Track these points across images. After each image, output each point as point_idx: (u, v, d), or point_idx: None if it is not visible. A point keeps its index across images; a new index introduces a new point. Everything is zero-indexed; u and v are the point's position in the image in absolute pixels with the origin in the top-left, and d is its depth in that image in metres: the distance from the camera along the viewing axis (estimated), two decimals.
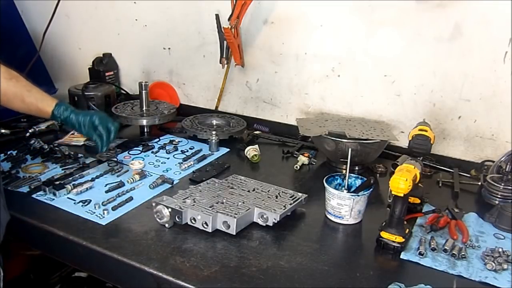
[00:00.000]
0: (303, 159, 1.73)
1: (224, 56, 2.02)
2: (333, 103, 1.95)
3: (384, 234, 1.21)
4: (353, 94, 1.89)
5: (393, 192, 1.17)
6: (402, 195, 1.16)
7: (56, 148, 1.74)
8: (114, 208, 1.36)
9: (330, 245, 1.27)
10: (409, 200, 1.29)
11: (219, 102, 2.23)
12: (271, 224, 1.27)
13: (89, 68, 2.34)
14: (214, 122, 2.06)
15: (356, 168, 1.70)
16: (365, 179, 1.36)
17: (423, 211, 1.40)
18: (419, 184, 1.30)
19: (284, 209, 1.29)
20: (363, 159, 1.66)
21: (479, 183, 1.57)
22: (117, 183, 1.50)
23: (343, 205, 1.31)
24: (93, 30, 2.45)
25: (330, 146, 1.65)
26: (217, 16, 1.95)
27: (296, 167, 1.71)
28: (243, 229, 1.26)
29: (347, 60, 1.85)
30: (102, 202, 1.38)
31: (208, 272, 1.10)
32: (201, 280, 1.08)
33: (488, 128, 1.67)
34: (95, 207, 1.36)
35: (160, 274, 1.10)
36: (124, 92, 2.36)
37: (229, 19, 1.86)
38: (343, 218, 1.32)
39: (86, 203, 1.39)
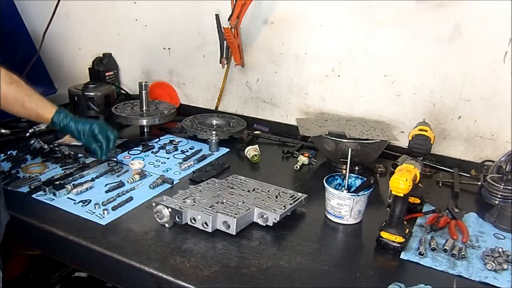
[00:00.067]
0: (303, 159, 1.73)
1: (224, 56, 2.02)
2: (333, 103, 1.95)
3: (384, 234, 1.21)
4: (353, 94, 1.89)
5: (393, 192, 1.17)
6: (402, 195, 1.16)
7: (56, 148, 1.74)
8: (114, 208, 1.36)
9: (330, 245, 1.27)
10: (409, 200, 1.29)
11: (219, 102, 2.23)
12: (271, 224, 1.27)
13: (89, 68, 2.34)
14: (214, 122, 2.06)
15: (356, 168, 1.70)
16: (365, 179, 1.36)
17: (423, 211, 1.40)
18: (419, 184, 1.30)
19: (284, 209, 1.29)
20: (363, 159, 1.66)
21: (479, 183, 1.57)
22: (117, 183, 1.50)
23: (343, 205, 1.31)
24: (93, 30, 2.45)
25: (330, 146, 1.65)
26: (217, 16, 1.95)
27: (296, 167, 1.71)
28: (243, 229, 1.26)
29: (347, 60, 1.85)
30: (102, 202, 1.38)
31: (208, 272, 1.10)
32: (201, 280, 1.08)
33: (488, 128, 1.67)
34: (95, 207, 1.36)
35: (160, 274, 1.10)
36: (124, 92, 2.36)
37: (229, 19, 1.86)
38: (343, 218, 1.32)
39: (86, 203, 1.39)
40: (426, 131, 1.43)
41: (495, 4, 1.52)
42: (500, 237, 1.30)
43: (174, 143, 1.89)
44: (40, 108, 1.42)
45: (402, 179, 1.15)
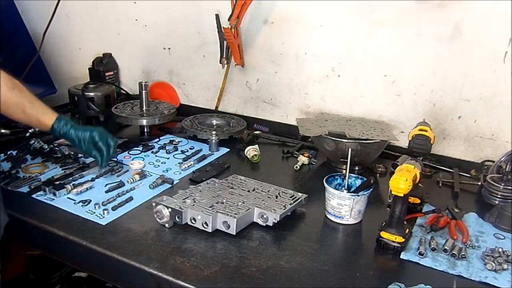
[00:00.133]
0: (303, 159, 1.73)
1: (224, 56, 2.02)
2: (333, 103, 1.95)
3: (384, 234, 1.21)
4: (353, 94, 1.89)
5: (393, 192, 1.17)
6: (402, 195, 1.16)
7: (56, 148, 1.74)
8: (114, 208, 1.36)
9: (330, 245, 1.27)
10: (409, 200, 1.29)
11: (219, 102, 2.23)
12: (271, 224, 1.27)
13: (89, 68, 2.34)
14: (214, 122, 2.06)
15: (356, 168, 1.70)
16: (365, 179, 1.36)
17: (423, 211, 1.40)
18: (419, 184, 1.30)
19: (284, 209, 1.29)
20: (363, 159, 1.66)
21: (479, 183, 1.57)
22: (117, 183, 1.50)
23: (343, 205, 1.31)
24: (93, 30, 2.45)
25: (330, 146, 1.65)
26: (217, 16, 1.95)
27: (296, 167, 1.71)
28: (243, 229, 1.26)
29: (347, 60, 1.85)
30: (102, 202, 1.38)
31: (208, 272, 1.10)
32: (201, 280, 1.08)
33: (488, 128, 1.67)
34: (95, 207, 1.36)
35: (160, 274, 1.10)
36: (124, 92, 2.36)
37: (229, 19, 1.86)
38: (343, 218, 1.32)
39: (86, 203, 1.39)
40: (426, 131, 1.43)
41: (495, 4, 1.52)
42: (500, 237, 1.30)
43: (174, 143, 1.89)
44: (41, 115, 1.43)
45: (402, 179, 1.15)
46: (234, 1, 1.86)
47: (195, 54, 2.19)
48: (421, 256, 1.18)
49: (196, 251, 1.18)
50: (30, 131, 1.89)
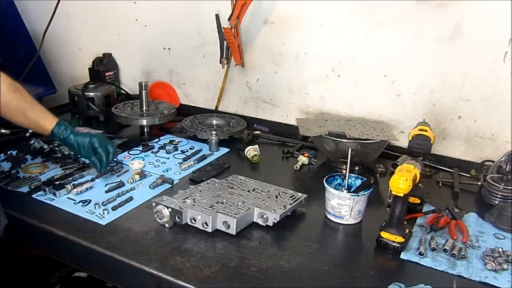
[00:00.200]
0: (303, 159, 1.73)
1: (224, 56, 2.02)
2: (333, 103, 1.95)
3: (384, 234, 1.21)
4: (353, 94, 1.89)
5: (393, 192, 1.17)
6: (402, 195, 1.16)
7: (56, 148, 1.74)
8: (114, 208, 1.36)
9: (330, 245, 1.27)
10: (409, 200, 1.29)
11: (219, 102, 2.23)
12: (271, 224, 1.27)
13: (89, 68, 2.34)
14: (214, 122, 2.06)
15: (356, 168, 1.70)
16: (365, 179, 1.36)
17: (423, 211, 1.40)
18: (419, 184, 1.30)
19: (284, 209, 1.29)
20: (363, 159, 1.66)
21: (479, 183, 1.57)
22: (117, 183, 1.50)
23: (343, 205, 1.31)
24: (93, 30, 2.45)
25: (330, 146, 1.65)
26: (217, 16, 1.95)
27: (296, 167, 1.71)
28: (243, 229, 1.26)
29: (347, 60, 1.85)
30: (102, 202, 1.38)
31: (208, 272, 1.10)
32: (201, 280, 1.08)
33: (488, 128, 1.67)
34: (95, 207, 1.36)
35: (160, 274, 1.10)
36: (124, 92, 2.36)
37: (229, 19, 1.86)
38: (343, 218, 1.32)
39: (86, 203, 1.39)
40: (426, 131, 1.43)
41: (495, 4, 1.52)
42: (500, 237, 1.30)
43: (174, 143, 1.89)
44: (42, 119, 1.44)
45: (402, 179, 1.15)
46: (234, 1, 1.86)
47: (195, 54, 2.19)
48: (421, 256, 1.18)
49: (196, 251, 1.18)
50: (30, 131, 1.89)
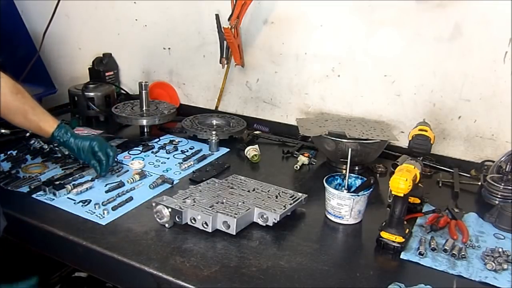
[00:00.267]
0: (303, 159, 1.73)
1: (224, 56, 2.02)
2: (333, 103, 1.95)
3: (384, 234, 1.21)
4: (353, 94, 1.89)
5: (393, 192, 1.17)
6: (402, 195, 1.16)
7: (56, 148, 1.74)
8: (114, 208, 1.36)
9: (330, 245, 1.27)
10: (409, 200, 1.29)
11: (219, 102, 2.23)
12: (271, 224, 1.27)
13: (89, 68, 2.34)
14: (214, 122, 2.06)
15: (356, 168, 1.70)
16: (365, 179, 1.36)
17: (423, 211, 1.40)
18: (419, 184, 1.30)
19: (284, 209, 1.29)
20: (363, 159, 1.66)
21: (479, 183, 1.57)
22: (117, 183, 1.50)
23: (343, 205, 1.31)
24: (93, 30, 2.45)
25: (330, 146, 1.65)
26: (217, 16, 1.95)
27: (296, 167, 1.71)
28: (243, 229, 1.26)
29: (347, 60, 1.85)
30: (102, 202, 1.38)
31: (208, 272, 1.10)
32: (201, 280, 1.08)
33: (488, 128, 1.67)
34: (95, 207, 1.36)
35: (160, 274, 1.10)
36: (124, 92, 2.36)
37: (229, 19, 1.86)
38: (343, 218, 1.32)
39: (86, 203, 1.39)
40: (426, 131, 1.43)
41: (495, 4, 1.52)
42: (500, 237, 1.30)
43: (174, 143, 1.89)
44: (42, 122, 1.45)
45: (402, 179, 1.15)
46: (234, 1, 1.86)
47: (195, 54, 2.19)
48: (421, 256, 1.18)
49: (196, 251, 1.18)
50: (30, 131, 1.90)
